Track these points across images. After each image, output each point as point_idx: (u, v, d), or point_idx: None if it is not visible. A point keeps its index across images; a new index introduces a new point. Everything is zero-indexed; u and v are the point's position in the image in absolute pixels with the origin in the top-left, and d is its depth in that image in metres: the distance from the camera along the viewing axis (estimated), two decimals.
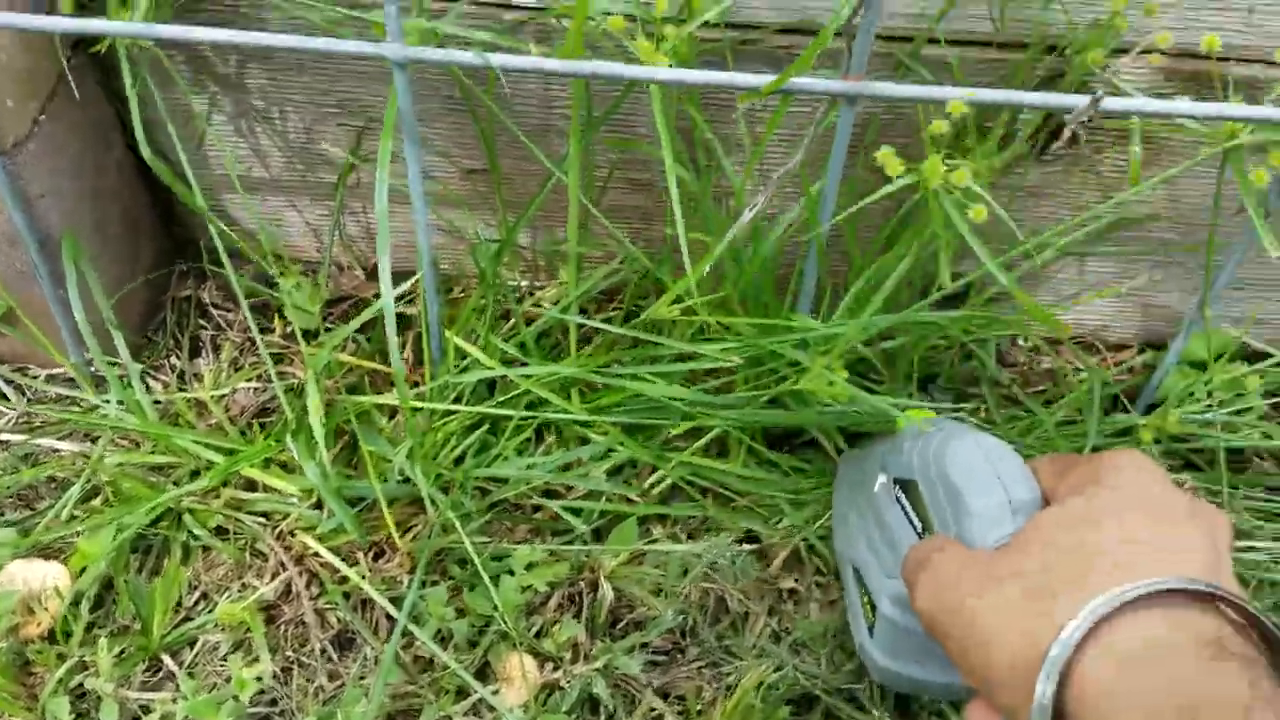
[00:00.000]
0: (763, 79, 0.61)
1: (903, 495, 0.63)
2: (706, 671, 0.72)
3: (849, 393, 0.67)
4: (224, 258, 0.80)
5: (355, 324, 0.78)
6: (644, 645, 0.72)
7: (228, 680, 0.69)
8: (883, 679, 0.64)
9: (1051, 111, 0.62)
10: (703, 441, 0.78)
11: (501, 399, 0.78)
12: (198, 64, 0.78)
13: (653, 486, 0.78)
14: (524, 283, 0.91)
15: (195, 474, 0.77)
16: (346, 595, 0.73)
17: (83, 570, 0.72)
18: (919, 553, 0.51)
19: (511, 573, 0.72)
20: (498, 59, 0.59)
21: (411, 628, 0.70)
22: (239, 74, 0.78)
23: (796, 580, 0.75)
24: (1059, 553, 0.41)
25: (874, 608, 0.63)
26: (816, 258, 0.71)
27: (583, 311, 0.86)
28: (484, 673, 0.71)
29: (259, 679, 0.68)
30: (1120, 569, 0.39)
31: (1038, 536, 0.44)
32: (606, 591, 0.73)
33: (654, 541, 0.76)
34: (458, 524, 0.72)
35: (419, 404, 0.77)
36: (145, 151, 0.74)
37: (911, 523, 0.61)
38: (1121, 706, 0.35)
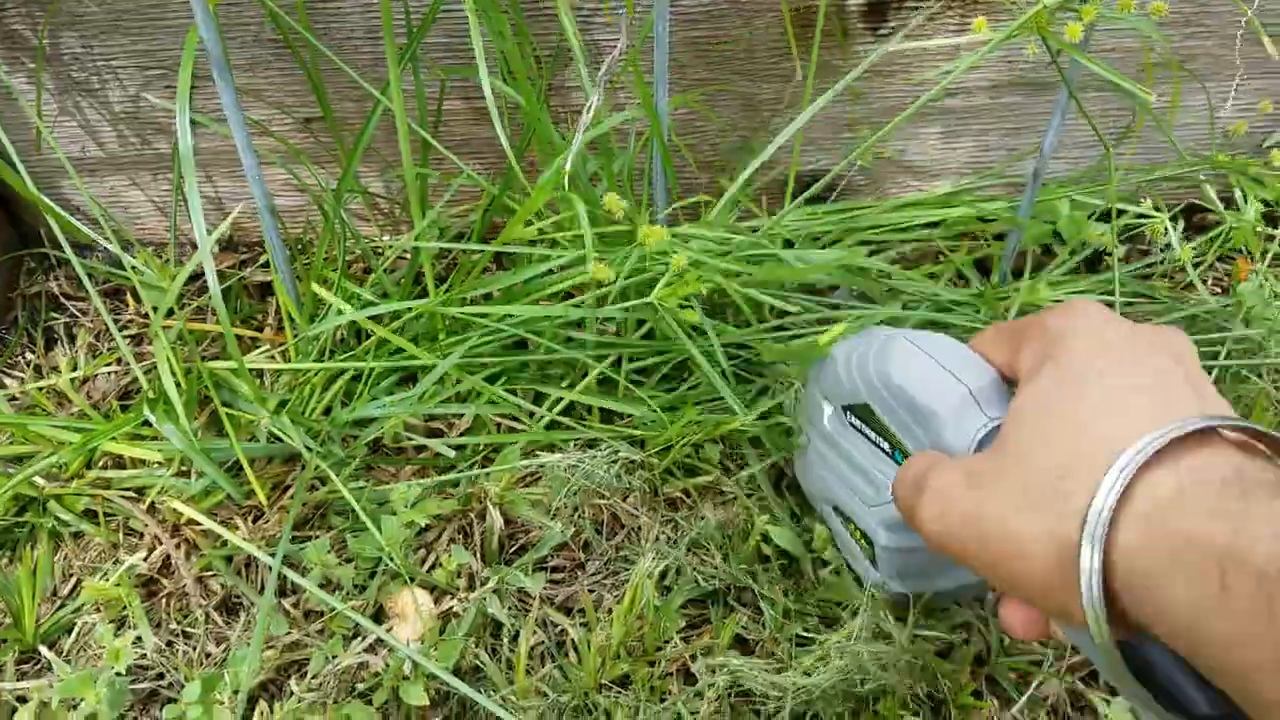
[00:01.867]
0: None
1: (857, 420, 0.59)
2: (608, 582, 0.70)
3: (697, 318, 0.67)
4: (66, 247, 0.77)
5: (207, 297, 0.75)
6: (541, 565, 0.71)
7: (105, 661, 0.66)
8: (897, 600, 0.62)
9: None
10: (587, 380, 0.76)
11: (364, 348, 0.76)
12: (7, 41, 0.75)
13: (536, 417, 0.77)
14: (385, 237, 0.89)
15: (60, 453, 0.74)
16: (229, 559, 0.71)
17: None
18: (908, 474, 0.46)
19: (394, 513, 0.70)
20: None
21: (292, 575, 0.67)
22: (52, 45, 0.75)
23: (684, 493, 0.74)
24: (1052, 437, 0.38)
25: (870, 541, 0.60)
26: (662, 158, 0.70)
27: (443, 255, 0.84)
28: (379, 616, 0.68)
29: (137, 643, 0.65)
30: (1117, 434, 0.36)
31: (1024, 427, 0.40)
32: (495, 518, 0.71)
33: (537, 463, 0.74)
34: (330, 472, 0.70)
35: (275, 364, 0.74)
36: None
37: (877, 445, 0.57)
38: (1165, 572, 0.32)
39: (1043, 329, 0.44)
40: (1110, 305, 0.74)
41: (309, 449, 0.71)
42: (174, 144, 0.81)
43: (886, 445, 0.56)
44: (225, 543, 0.70)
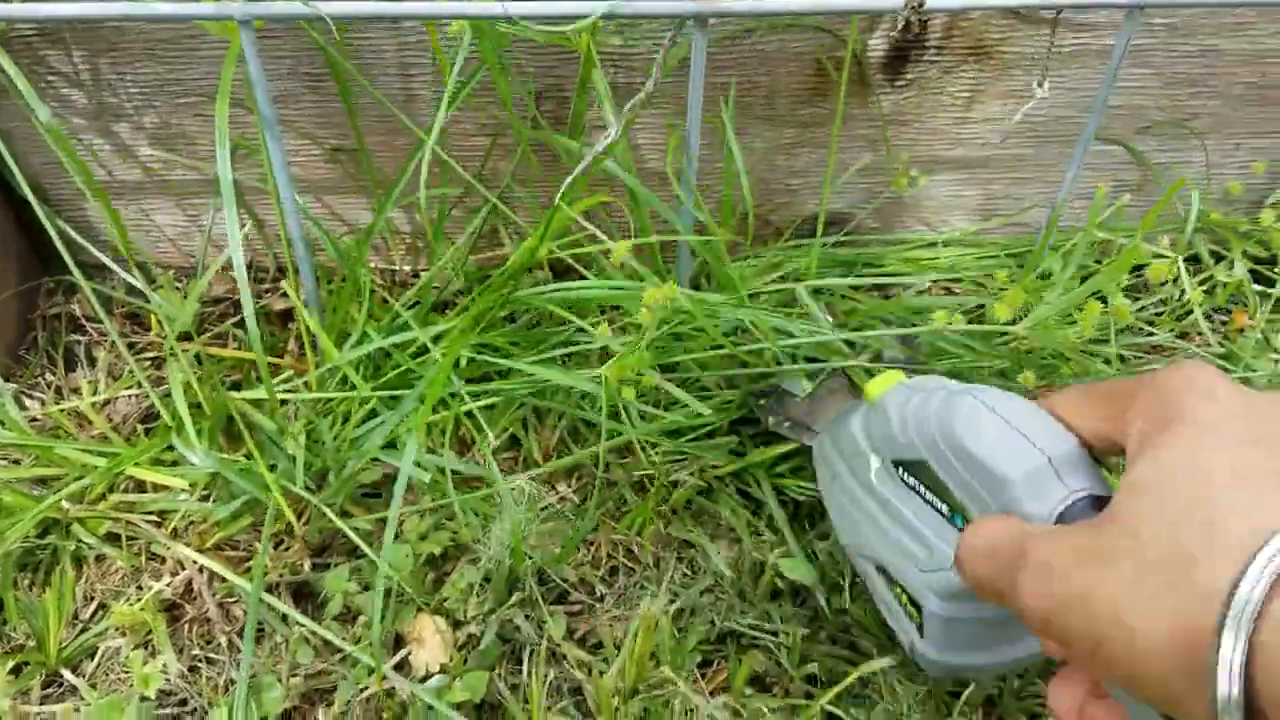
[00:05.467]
0: (599, 5, 0.61)
1: (910, 477, 0.55)
2: (627, 615, 0.72)
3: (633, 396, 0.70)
4: (74, 270, 0.77)
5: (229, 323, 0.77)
6: (559, 599, 0.72)
7: (133, 685, 0.66)
8: (938, 673, 0.59)
9: (885, 13, 0.64)
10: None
11: (385, 380, 0.77)
12: (41, 66, 0.76)
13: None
14: (405, 267, 0.90)
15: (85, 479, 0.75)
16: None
17: None
18: (981, 541, 0.43)
19: (409, 544, 0.71)
20: (334, 7, 0.59)
21: (298, 617, 0.69)
22: (87, 70, 0.76)
23: (692, 531, 0.75)
24: (1180, 515, 0.34)
25: (918, 606, 0.56)
26: (689, 190, 0.72)
27: (465, 291, 0.86)
28: (399, 641, 0.69)
29: (163, 671, 0.66)
30: (1258, 516, 0.32)
31: (1145, 502, 0.36)
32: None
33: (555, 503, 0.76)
34: (328, 512, 0.71)
35: (288, 395, 0.75)
36: None
37: (933, 506, 0.53)
38: None
39: (1158, 393, 0.40)
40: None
41: (307, 493, 0.71)
42: (215, 173, 0.82)
43: (945, 508, 0.52)
44: (248, 569, 0.71)
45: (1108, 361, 0.78)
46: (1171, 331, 0.85)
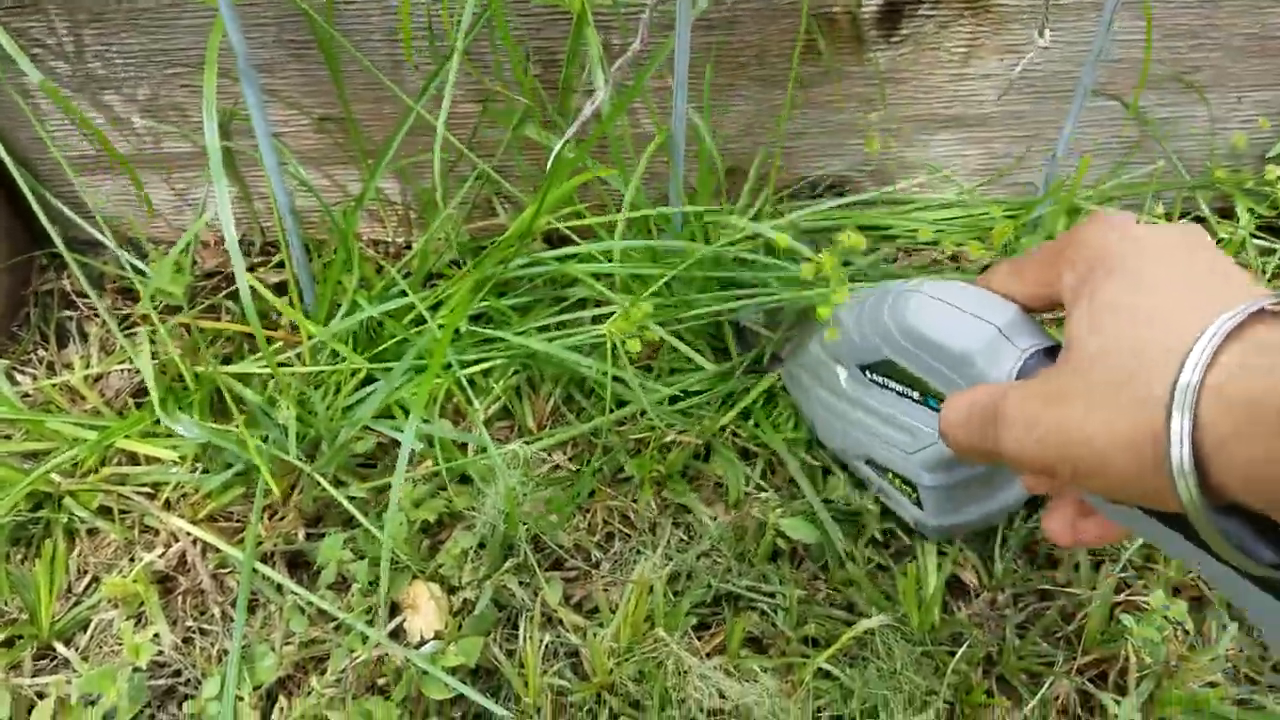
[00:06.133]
0: None
1: (879, 376, 0.61)
2: (623, 579, 0.71)
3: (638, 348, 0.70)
4: (62, 248, 0.76)
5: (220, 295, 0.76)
6: (555, 565, 0.71)
7: (125, 657, 0.66)
8: (940, 535, 0.67)
9: None
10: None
11: (379, 349, 0.76)
12: (25, 37, 0.75)
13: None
14: (399, 239, 0.90)
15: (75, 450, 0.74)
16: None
17: None
18: (961, 412, 0.47)
19: (403, 511, 0.71)
20: None
21: (292, 586, 0.68)
22: (72, 41, 0.76)
23: (689, 496, 0.74)
24: (1122, 341, 0.40)
25: (913, 485, 0.64)
26: (679, 156, 0.71)
27: (456, 264, 0.85)
28: (395, 609, 0.69)
29: (155, 640, 0.65)
30: (1187, 325, 0.37)
31: (1091, 338, 0.41)
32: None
33: (553, 467, 0.75)
34: (322, 481, 0.70)
35: (279, 367, 0.75)
36: None
37: (907, 395, 0.60)
38: (1245, 434, 0.34)
39: (1082, 246, 0.45)
40: None
41: (301, 461, 0.71)
42: (204, 144, 0.81)
43: (917, 394, 0.58)
44: (241, 539, 0.71)
45: None
46: None
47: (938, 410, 0.52)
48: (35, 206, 0.74)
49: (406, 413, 0.75)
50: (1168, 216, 0.84)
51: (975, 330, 0.51)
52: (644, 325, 0.70)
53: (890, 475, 0.66)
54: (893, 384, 0.60)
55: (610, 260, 0.75)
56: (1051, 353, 0.48)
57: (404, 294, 0.78)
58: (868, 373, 0.62)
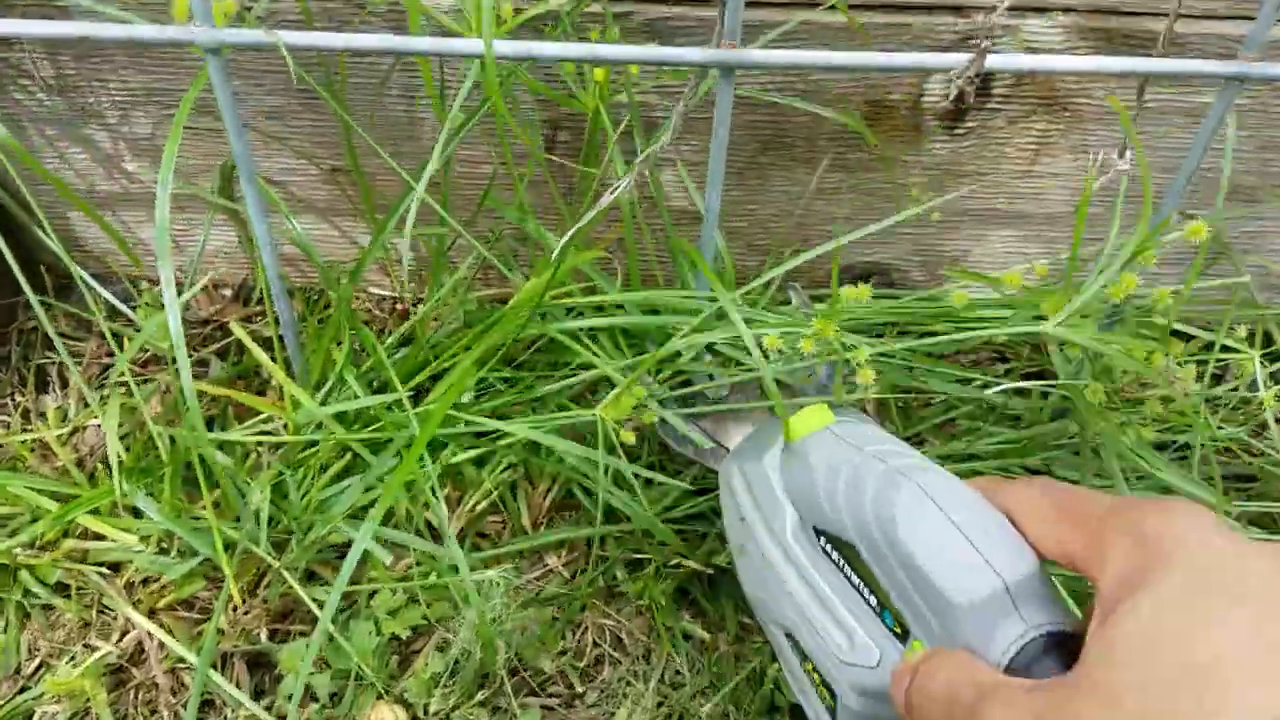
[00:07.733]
0: (624, 50, 0.54)
1: (834, 551, 0.47)
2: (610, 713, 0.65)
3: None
4: (30, 295, 0.70)
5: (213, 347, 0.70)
6: (534, 690, 0.65)
7: None
8: None
9: (935, 71, 0.56)
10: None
11: (368, 429, 0.70)
12: (16, 72, 0.70)
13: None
14: (405, 294, 0.84)
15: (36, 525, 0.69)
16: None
17: None
18: (936, 686, 0.38)
19: (373, 619, 0.65)
20: (301, 37, 0.52)
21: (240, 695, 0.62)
22: (63, 77, 0.70)
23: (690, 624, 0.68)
24: (1165, 692, 0.30)
25: (831, 692, 0.48)
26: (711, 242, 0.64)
27: (467, 324, 0.79)
28: None
29: None
30: (1259, 700, 0.29)
31: (1123, 670, 0.32)
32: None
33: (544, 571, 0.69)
34: (289, 579, 0.65)
35: (262, 438, 0.69)
36: None
37: (860, 594, 0.46)
38: None
39: (1139, 533, 0.35)
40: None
41: (270, 555, 0.65)
42: (199, 191, 0.76)
43: (874, 600, 0.44)
44: (202, 631, 0.66)
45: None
46: (1243, 426, 0.75)
47: (893, 631, 0.42)
48: (25, 240, 0.69)
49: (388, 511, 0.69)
50: (1250, 338, 0.76)
51: (977, 579, 0.38)
52: (641, 405, 0.63)
53: (810, 668, 0.50)
54: (849, 573, 0.46)
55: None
56: (1063, 640, 0.37)
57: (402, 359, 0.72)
58: (822, 539, 0.48)
